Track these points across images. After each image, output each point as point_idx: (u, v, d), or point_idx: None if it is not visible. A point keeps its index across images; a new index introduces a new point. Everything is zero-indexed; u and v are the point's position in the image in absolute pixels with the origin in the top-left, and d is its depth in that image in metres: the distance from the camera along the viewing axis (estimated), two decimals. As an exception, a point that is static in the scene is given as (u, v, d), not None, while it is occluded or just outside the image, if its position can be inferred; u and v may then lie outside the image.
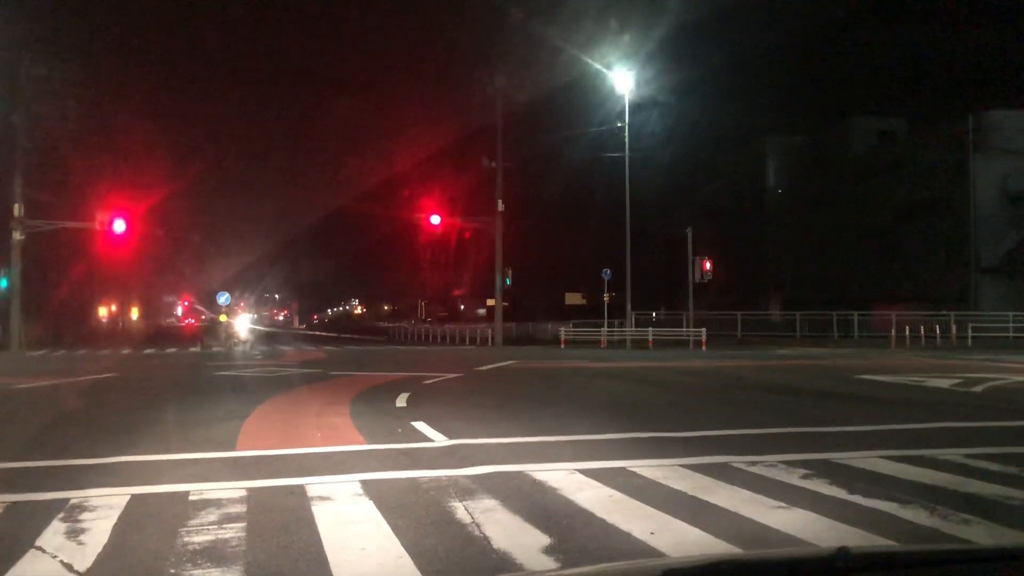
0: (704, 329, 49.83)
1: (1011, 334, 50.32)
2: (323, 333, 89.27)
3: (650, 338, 48.77)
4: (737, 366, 30.10)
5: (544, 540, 7.49)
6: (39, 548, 7.37)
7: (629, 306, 52.89)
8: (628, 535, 7.68)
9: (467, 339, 58.01)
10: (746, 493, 9.22)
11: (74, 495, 9.25)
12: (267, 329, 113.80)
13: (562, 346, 48.45)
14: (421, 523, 8.10)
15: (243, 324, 64.67)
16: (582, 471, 10.39)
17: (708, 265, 51.23)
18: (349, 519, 8.23)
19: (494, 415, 15.49)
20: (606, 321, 53.58)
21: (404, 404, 16.87)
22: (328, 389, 20.65)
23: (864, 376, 24.96)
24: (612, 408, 16.77)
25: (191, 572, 6.71)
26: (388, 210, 62.31)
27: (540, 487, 9.58)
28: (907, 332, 48.01)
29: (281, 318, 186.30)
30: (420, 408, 16.44)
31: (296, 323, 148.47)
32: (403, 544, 7.40)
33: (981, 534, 7.58)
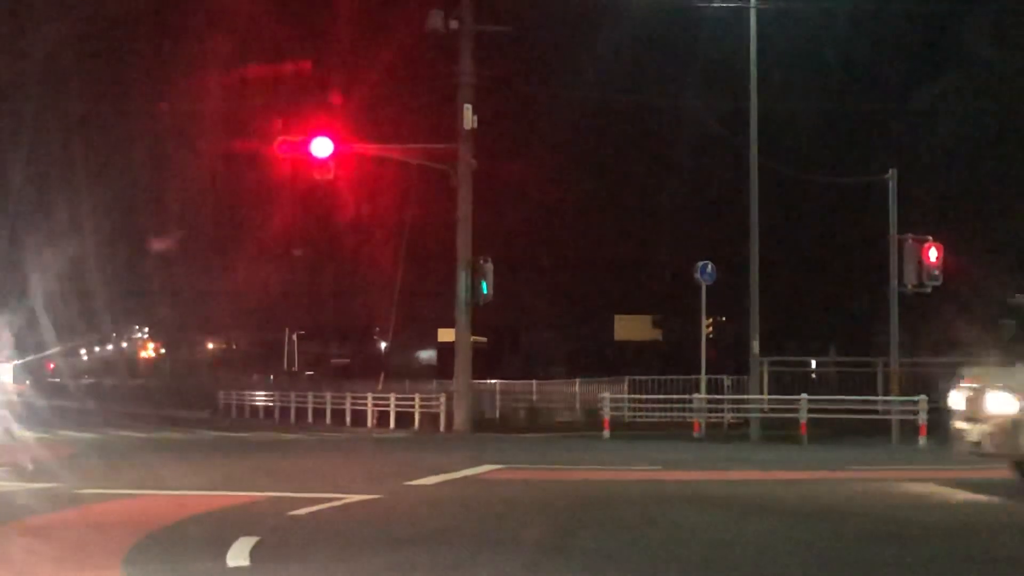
0: (923, 397, 26.34)
1: None
2: (67, 402, 60.02)
3: (802, 419, 27.37)
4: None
5: None
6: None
7: (755, 346, 29.08)
8: None
9: (393, 415, 36.36)
10: None
11: None
12: None
13: (605, 432, 29.37)
14: None
15: None
16: None
17: (936, 255, 28.26)
18: None
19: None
20: (703, 379, 30.53)
21: (245, 562, 10.42)
22: (77, 527, 13.08)
23: None
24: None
25: None
26: (216, 130, 33.21)
27: None
28: None
29: None
30: (280, 570, 10.34)
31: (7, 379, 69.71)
32: None
33: None
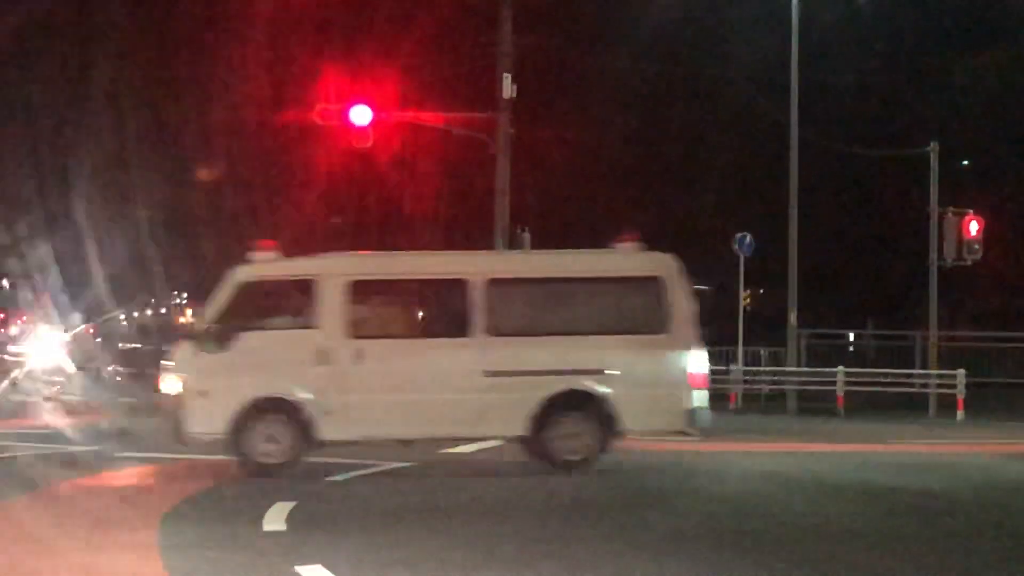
0: (961, 372, 25.20)
1: None
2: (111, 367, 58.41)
3: (839, 392, 26.52)
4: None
5: None
6: None
7: (793, 317, 27.96)
8: None
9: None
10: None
11: None
12: None
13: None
14: None
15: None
16: None
17: (976, 227, 27.29)
18: None
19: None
20: (740, 351, 29.30)
21: (281, 526, 10.13)
22: (118, 489, 13.36)
23: None
24: None
25: None
26: (254, 98, 32.54)
27: None
28: None
29: None
30: (316, 534, 9.83)
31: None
32: None
33: None
